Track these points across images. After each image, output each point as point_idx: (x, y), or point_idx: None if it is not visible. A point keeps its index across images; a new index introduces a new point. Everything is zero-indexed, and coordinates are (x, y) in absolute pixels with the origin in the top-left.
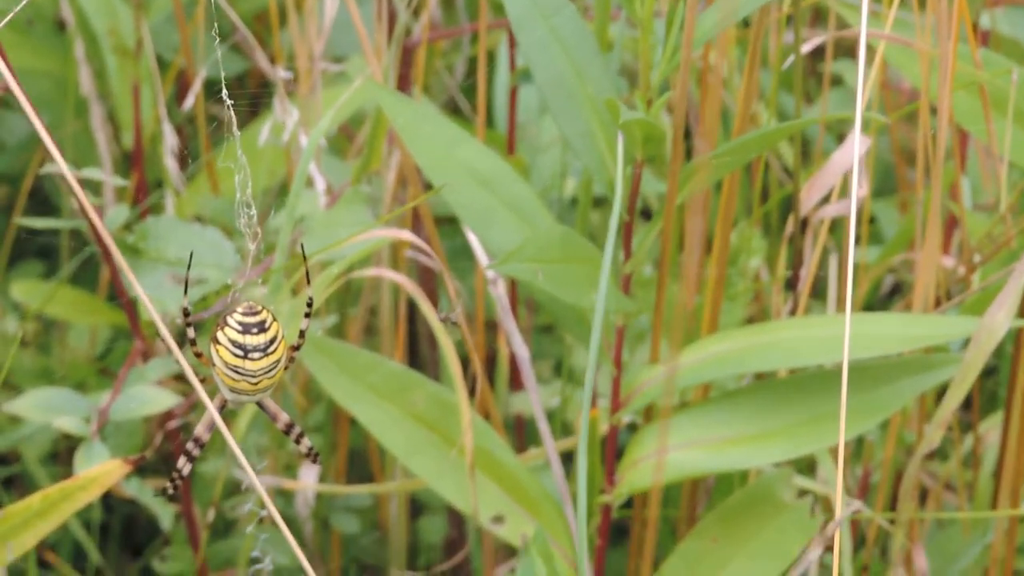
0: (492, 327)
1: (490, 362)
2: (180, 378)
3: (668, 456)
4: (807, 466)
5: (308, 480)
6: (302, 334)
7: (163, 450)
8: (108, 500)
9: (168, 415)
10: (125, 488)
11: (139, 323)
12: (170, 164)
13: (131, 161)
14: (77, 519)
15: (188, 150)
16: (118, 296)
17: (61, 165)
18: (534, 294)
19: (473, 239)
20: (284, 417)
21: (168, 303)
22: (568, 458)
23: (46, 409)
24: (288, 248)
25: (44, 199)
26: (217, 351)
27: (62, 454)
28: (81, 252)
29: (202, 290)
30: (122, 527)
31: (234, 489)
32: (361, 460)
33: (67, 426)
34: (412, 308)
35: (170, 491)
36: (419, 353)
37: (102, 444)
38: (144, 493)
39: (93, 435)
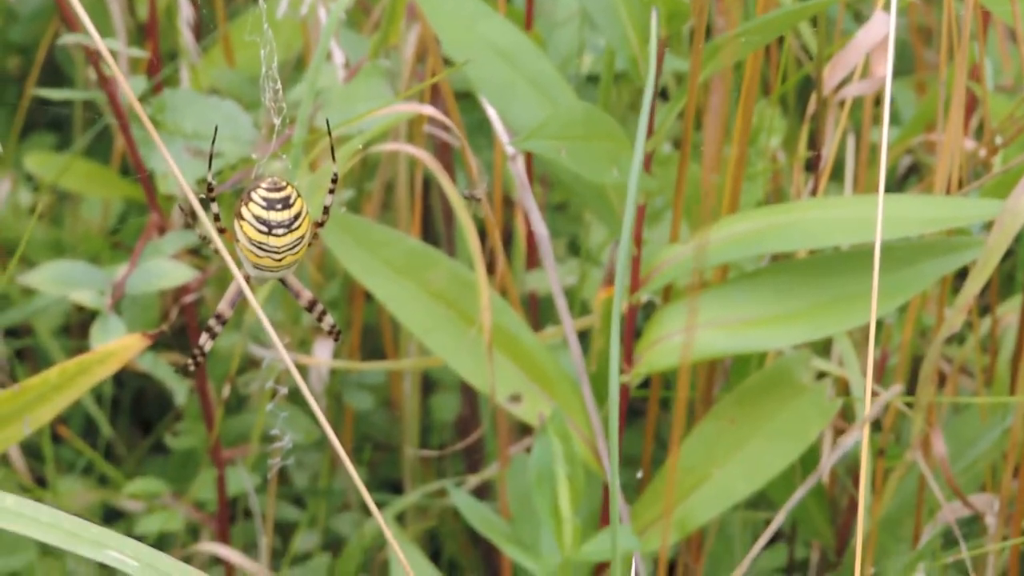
0: (508, 204)
1: (506, 240)
2: (195, 252)
3: (680, 338)
4: (823, 349)
5: (322, 356)
6: (326, 210)
7: (176, 324)
8: (119, 375)
9: (183, 289)
10: (140, 363)
11: (156, 196)
12: (186, 35)
13: (145, 33)
14: (89, 393)
15: (203, 22)
16: (135, 168)
17: (92, 33)
18: (550, 171)
19: (492, 114)
20: (307, 294)
21: (186, 176)
22: (585, 337)
23: (62, 282)
24: (307, 122)
25: (56, 70)
26: (241, 227)
27: (74, 327)
28: (95, 124)
29: (219, 164)
30: (132, 402)
31: (247, 365)
32: (374, 337)
33: (83, 299)
34: (426, 184)
35: (191, 368)
36: (434, 230)
37: (118, 318)
38: (159, 368)
39: (109, 309)
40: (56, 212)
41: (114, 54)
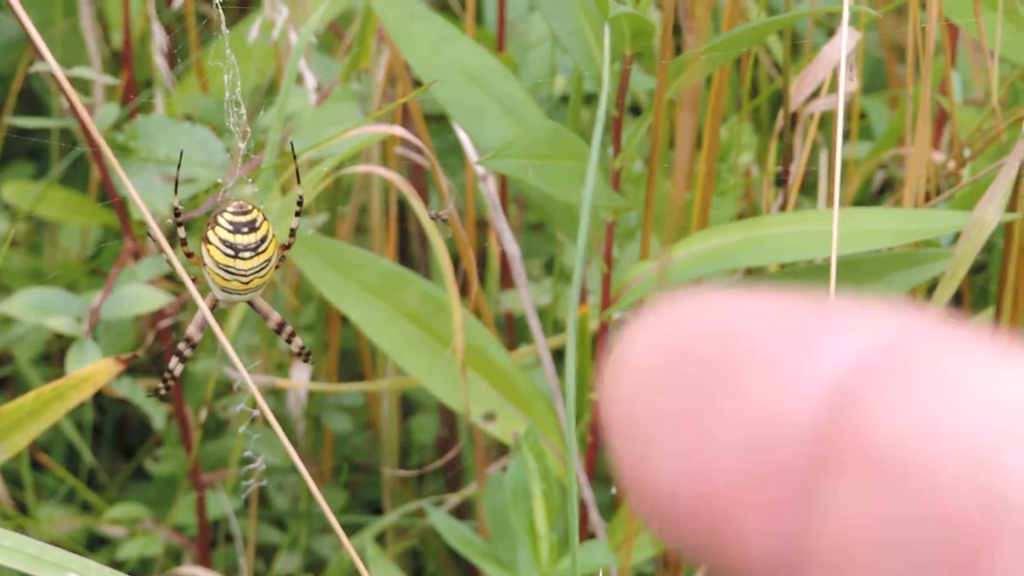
0: (482, 226)
1: (480, 261)
2: (171, 278)
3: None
4: None
5: (300, 379)
6: (292, 232)
7: (154, 350)
8: (100, 402)
9: (159, 314)
10: (117, 388)
11: (129, 223)
12: (159, 63)
13: (120, 61)
14: (70, 420)
15: (177, 49)
16: (109, 196)
17: (52, 64)
18: (524, 192)
19: (463, 136)
20: (276, 316)
21: (158, 202)
22: (559, 356)
23: (38, 309)
24: (278, 146)
25: (33, 99)
26: (208, 250)
27: (54, 355)
28: (71, 153)
29: (192, 189)
30: (114, 429)
31: (225, 389)
32: (352, 360)
33: (60, 326)
34: (402, 207)
35: (162, 391)
36: (409, 253)
37: (94, 343)
38: (136, 393)
39: (85, 335)
40: (34, 241)
41: (87, 83)
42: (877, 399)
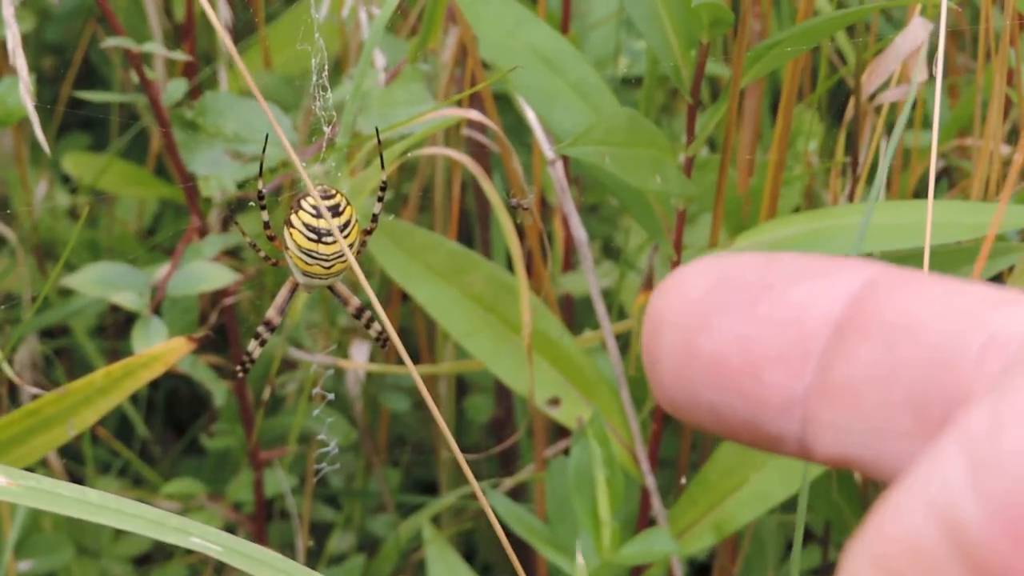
0: (542, 207)
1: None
2: (232, 255)
3: None
4: None
5: (360, 359)
6: (375, 217)
7: (214, 327)
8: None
9: (220, 292)
10: (179, 365)
11: (197, 199)
12: (224, 38)
13: (181, 35)
14: None
15: (238, 24)
16: (172, 171)
17: (124, 40)
18: (585, 174)
19: (532, 119)
20: (355, 301)
21: (225, 179)
22: (622, 341)
23: (102, 284)
24: (351, 126)
25: (91, 71)
26: (291, 234)
27: (109, 328)
28: (131, 125)
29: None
30: (165, 404)
31: (282, 367)
32: (409, 340)
33: (124, 301)
34: (462, 188)
35: (240, 373)
36: (469, 234)
37: (159, 320)
38: (198, 370)
39: (150, 311)
40: (91, 213)
41: (150, 56)
42: (884, 295)
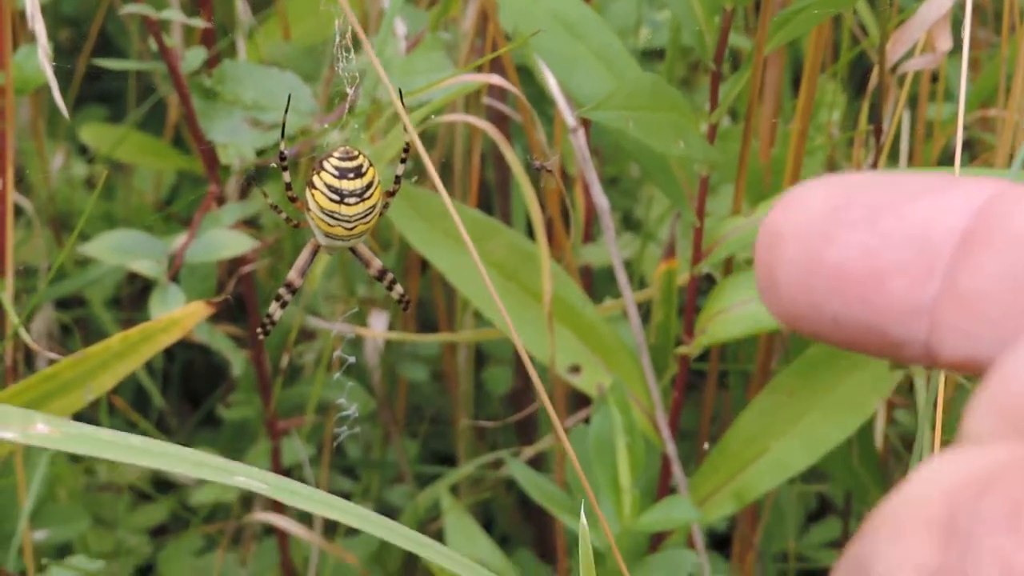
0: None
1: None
2: (250, 224)
3: (744, 309)
4: None
5: (378, 328)
6: (397, 179)
7: (232, 295)
8: (168, 348)
9: (238, 261)
10: (196, 334)
11: (217, 167)
12: (241, 7)
13: (198, 3)
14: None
15: None
16: (193, 140)
17: (144, 7)
18: (605, 144)
19: (553, 86)
20: (377, 263)
21: (245, 147)
22: (643, 311)
23: (120, 251)
24: (372, 92)
25: (107, 43)
26: (312, 195)
27: (124, 299)
28: (148, 97)
29: (279, 135)
30: (181, 375)
31: (299, 337)
32: (427, 310)
33: (142, 268)
34: (481, 159)
35: (260, 336)
36: (490, 206)
37: (177, 287)
38: (216, 338)
39: (168, 278)
40: (108, 185)
41: (168, 25)
42: (1010, 208)
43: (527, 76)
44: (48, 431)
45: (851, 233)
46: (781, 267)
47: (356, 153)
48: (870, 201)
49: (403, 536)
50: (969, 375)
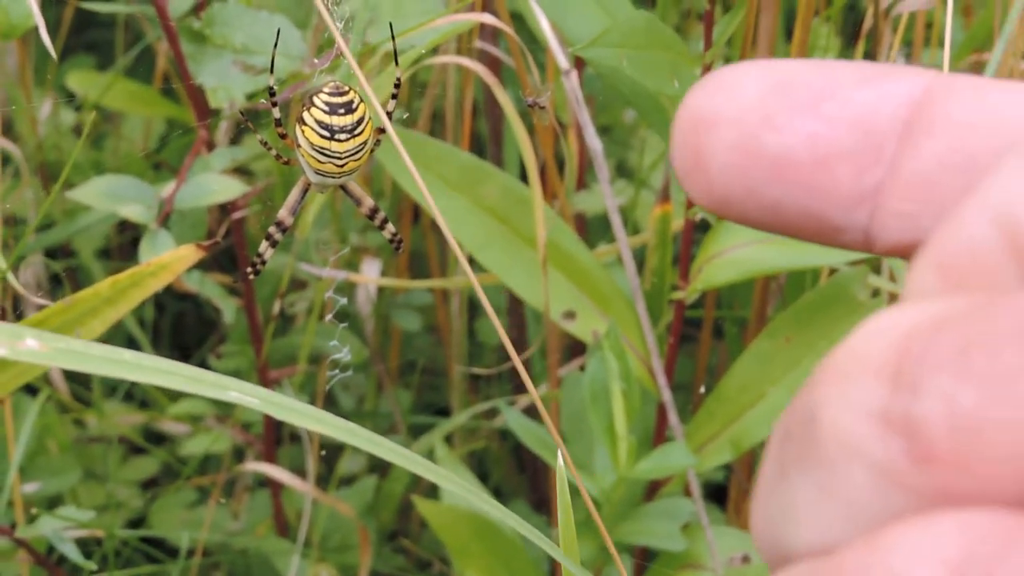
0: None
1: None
2: (240, 170)
3: (738, 253)
4: (875, 267)
5: (370, 274)
6: (389, 116)
7: (221, 244)
8: (158, 300)
9: (232, 206)
10: (187, 282)
11: (207, 111)
12: None
13: None
14: (131, 315)
15: None
16: (184, 84)
17: None
18: (597, 92)
19: (546, 28)
20: (369, 202)
21: (234, 91)
22: (639, 255)
23: (111, 197)
24: (363, 33)
25: None
26: (303, 132)
27: (114, 249)
28: (136, 45)
29: (270, 79)
30: (171, 327)
31: (290, 286)
32: (420, 261)
33: (132, 214)
34: (473, 107)
35: (251, 276)
36: (482, 153)
37: (167, 233)
38: (206, 286)
39: (158, 223)
40: (96, 133)
41: None
42: (950, 94)
43: (520, 24)
44: (38, 347)
45: (795, 118)
46: (712, 152)
47: (346, 89)
48: (809, 86)
49: (391, 451)
50: (908, 259)
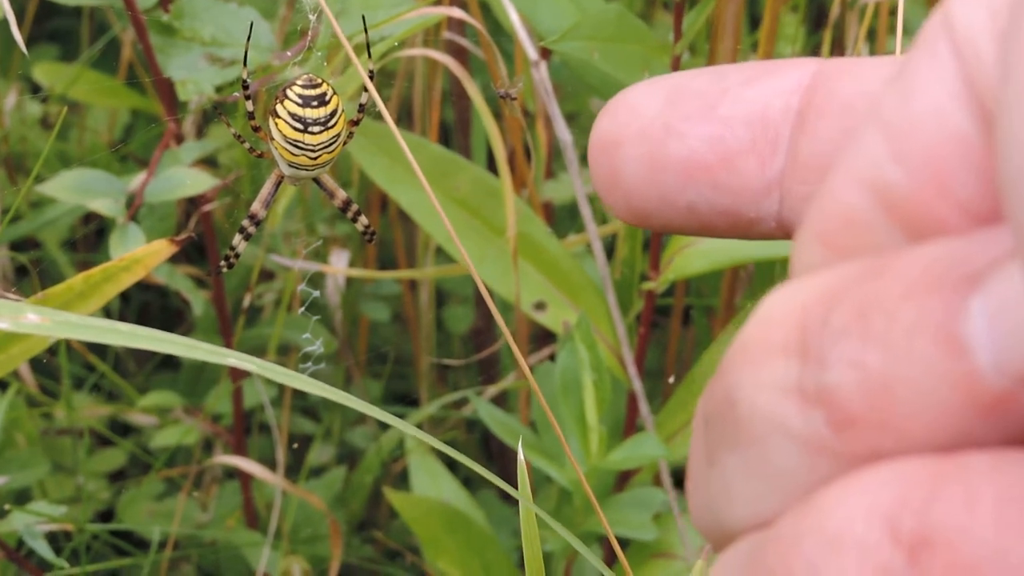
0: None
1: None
2: (209, 162)
3: (708, 243)
4: None
5: (339, 265)
6: (362, 108)
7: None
8: (123, 291)
9: (201, 199)
10: (156, 274)
11: (175, 104)
12: None
13: None
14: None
15: None
16: (153, 76)
17: None
18: (565, 81)
19: (515, 20)
20: (341, 194)
21: (203, 84)
22: (608, 245)
23: (79, 190)
24: (332, 25)
25: None
26: (276, 124)
27: (79, 241)
28: (101, 35)
29: (238, 70)
30: (137, 319)
31: (262, 278)
32: (387, 251)
33: (101, 208)
34: (442, 98)
35: (224, 269)
36: (451, 143)
37: (136, 227)
38: (176, 279)
39: (127, 217)
40: (62, 124)
41: None
42: (835, 80)
43: (488, 15)
44: (39, 320)
45: (693, 124)
46: (624, 168)
47: (319, 81)
48: (701, 93)
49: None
50: None
